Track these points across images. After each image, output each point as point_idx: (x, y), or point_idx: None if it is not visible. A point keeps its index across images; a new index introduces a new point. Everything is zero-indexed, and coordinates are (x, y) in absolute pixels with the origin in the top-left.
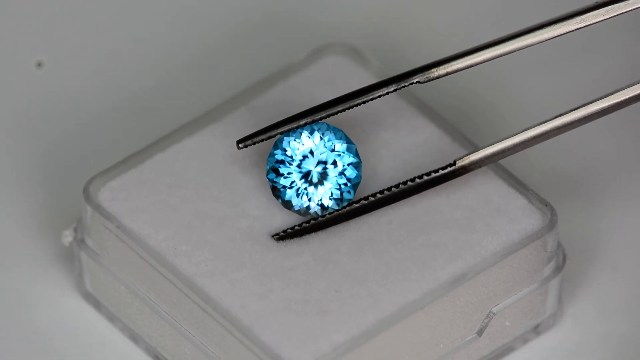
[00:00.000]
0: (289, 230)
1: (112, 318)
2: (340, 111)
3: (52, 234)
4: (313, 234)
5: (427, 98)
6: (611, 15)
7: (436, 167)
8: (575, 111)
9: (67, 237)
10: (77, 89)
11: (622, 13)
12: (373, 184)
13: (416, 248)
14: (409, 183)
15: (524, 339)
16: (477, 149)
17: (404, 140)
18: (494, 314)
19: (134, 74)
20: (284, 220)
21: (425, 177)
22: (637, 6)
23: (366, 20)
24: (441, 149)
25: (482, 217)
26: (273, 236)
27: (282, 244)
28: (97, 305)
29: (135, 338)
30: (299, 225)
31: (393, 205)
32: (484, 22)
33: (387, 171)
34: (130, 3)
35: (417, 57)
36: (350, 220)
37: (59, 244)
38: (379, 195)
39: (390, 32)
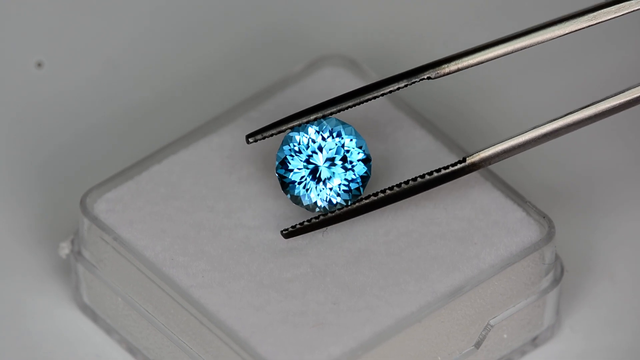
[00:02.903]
0: (297, 226)
1: (109, 330)
2: (351, 106)
3: (49, 245)
4: (311, 246)
5: (424, 108)
6: (622, 13)
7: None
8: (586, 109)
9: (64, 249)
10: (74, 100)
11: (634, 11)
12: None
13: (414, 260)
14: (419, 179)
15: (522, 351)
16: (487, 146)
17: (401, 151)
18: (492, 326)
19: (130, 86)
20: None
21: (435, 174)
22: None
23: (363, 32)
24: (440, 161)
25: (479, 229)
26: (282, 232)
27: (279, 255)
28: (94, 317)
29: (132, 350)
30: (308, 220)
31: (391, 216)
32: (483, 34)
33: (384, 185)
34: (128, 14)
35: None
36: (348, 232)
37: (56, 256)
38: (388, 192)
39: (387, 44)
